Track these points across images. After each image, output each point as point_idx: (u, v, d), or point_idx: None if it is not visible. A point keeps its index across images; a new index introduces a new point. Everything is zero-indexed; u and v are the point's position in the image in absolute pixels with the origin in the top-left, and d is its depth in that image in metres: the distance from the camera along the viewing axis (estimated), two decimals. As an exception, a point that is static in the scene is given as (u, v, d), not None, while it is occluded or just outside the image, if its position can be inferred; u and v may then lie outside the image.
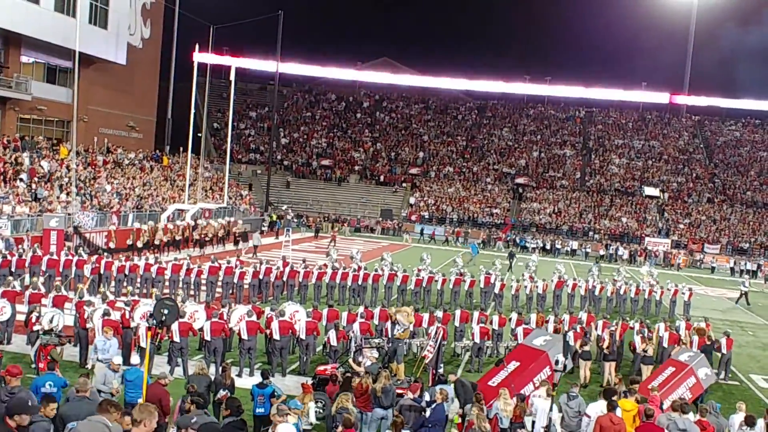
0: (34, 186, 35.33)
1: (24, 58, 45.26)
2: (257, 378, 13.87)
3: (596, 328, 20.13)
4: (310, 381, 14.57)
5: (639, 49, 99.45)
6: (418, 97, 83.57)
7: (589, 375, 17.89)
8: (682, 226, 61.96)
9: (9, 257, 23.97)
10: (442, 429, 11.93)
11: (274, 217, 54.04)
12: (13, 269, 23.37)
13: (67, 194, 35.44)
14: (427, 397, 12.73)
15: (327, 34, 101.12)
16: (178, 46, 61.55)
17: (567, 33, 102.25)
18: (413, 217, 62.39)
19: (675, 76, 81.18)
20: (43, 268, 23.92)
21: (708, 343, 19.45)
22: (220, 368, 13.13)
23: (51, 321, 15.43)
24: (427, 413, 12.00)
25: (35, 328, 15.67)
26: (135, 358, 13.03)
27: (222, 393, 11.92)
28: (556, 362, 12.86)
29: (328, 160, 71.08)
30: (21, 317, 17.32)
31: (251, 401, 12.44)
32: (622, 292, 29.84)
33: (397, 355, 16.57)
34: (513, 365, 14.59)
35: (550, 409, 12.48)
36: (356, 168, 70.41)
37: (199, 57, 44.51)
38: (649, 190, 67.32)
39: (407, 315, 17.61)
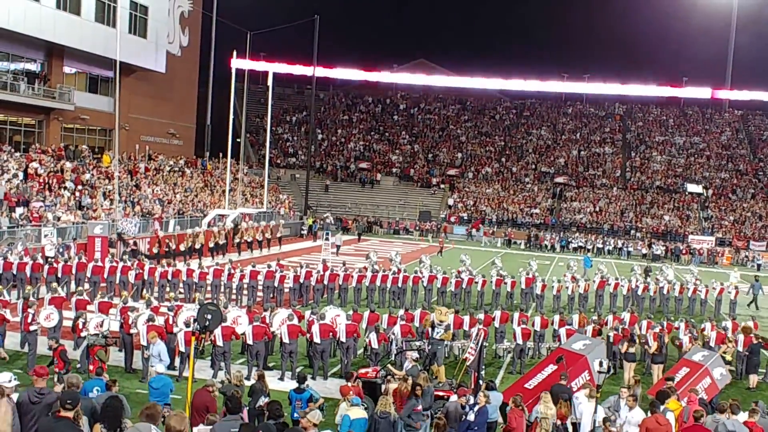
0: (78, 194, 36.01)
1: (66, 69, 46.18)
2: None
3: (640, 329, 19.84)
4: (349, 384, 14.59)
5: (679, 44, 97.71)
6: (454, 97, 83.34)
7: (633, 377, 17.61)
8: (726, 223, 60.78)
9: (55, 264, 24.48)
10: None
11: (311, 221, 54.32)
12: (59, 276, 23.89)
13: (111, 202, 36.04)
14: (471, 401, 12.66)
15: (362, 36, 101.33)
16: (216, 53, 62.23)
17: (605, 29, 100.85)
18: (452, 219, 62.19)
19: (717, 71, 79.64)
20: (89, 275, 24.37)
21: (755, 342, 19.05)
22: (256, 376, 13.15)
23: (101, 325, 15.75)
24: (471, 417, 11.93)
25: (82, 334, 15.96)
26: (160, 367, 13.12)
27: (264, 400, 12.00)
28: (600, 364, 12.69)
29: (365, 163, 71.21)
30: (68, 323, 17.67)
31: (288, 406, 12.47)
32: (665, 291, 29.37)
33: (437, 357, 16.51)
34: (550, 368, 14.44)
35: (595, 411, 12.32)
36: (394, 170, 70.42)
37: (236, 63, 44.83)
38: (692, 187, 66.12)
39: (440, 313, 17.51)
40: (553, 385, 13.50)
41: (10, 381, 8.85)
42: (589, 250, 54.47)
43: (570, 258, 41.71)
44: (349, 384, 13.22)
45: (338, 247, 42.62)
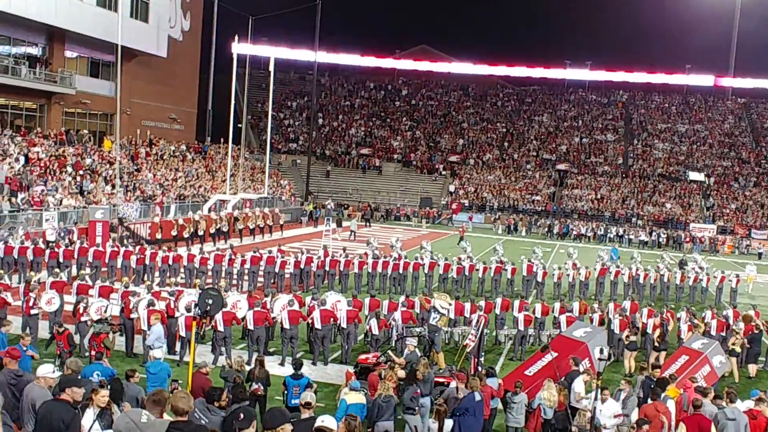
0: (79, 179, 35.98)
1: (68, 53, 46.06)
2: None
3: (641, 316, 19.83)
4: (352, 369, 14.63)
5: (682, 31, 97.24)
6: (456, 84, 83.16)
7: (633, 365, 17.63)
8: (728, 211, 60.70)
9: (56, 249, 24.49)
10: (473, 417, 11.78)
11: (311, 207, 54.40)
12: (60, 260, 23.90)
13: (112, 186, 36.03)
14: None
15: (365, 22, 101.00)
16: (218, 38, 62.00)
17: (608, 16, 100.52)
18: (453, 205, 62.12)
19: (720, 58, 79.42)
20: (90, 259, 24.39)
21: (756, 331, 19.04)
22: (256, 361, 13.17)
23: (105, 310, 15.79)
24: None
25: (83, 318, 15.99)
26: (158, 353, 13.15)
27: (255, 386, 12.00)
28: (601, 351, 12.69)
29: (367, 149, 71.11)
30: (69, 308, 17.70)
31: (284, 393, 12.51)
32: (666, 279, 29.34)
33: (435, 344, 16.53)
34: (550, 355, 14.44)
35: (595, 398, 12.33)
36: (395, 156, 70.33)
37: (238, 48, 44.84)
38: (694, 175, 65.97)
39: (444, 298, 17.51)
40: (569, 373, 13.52)
41: (53, 372, 8.89)
42: (589, 239, 54.58)
43: (570, 245, 41.68)
44: (349, 369, 13.26)
45: (353, 232, 43.42)
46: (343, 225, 46.35)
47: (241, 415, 7.32)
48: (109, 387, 9.06)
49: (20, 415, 8.77)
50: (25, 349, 11.91)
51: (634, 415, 12.05)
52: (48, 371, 8.86)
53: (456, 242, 42.79)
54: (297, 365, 12.67)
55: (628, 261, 33.90)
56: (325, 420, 7.75)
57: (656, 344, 18.22)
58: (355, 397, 11.12)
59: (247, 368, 13.28)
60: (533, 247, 34.23)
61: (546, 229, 56.45)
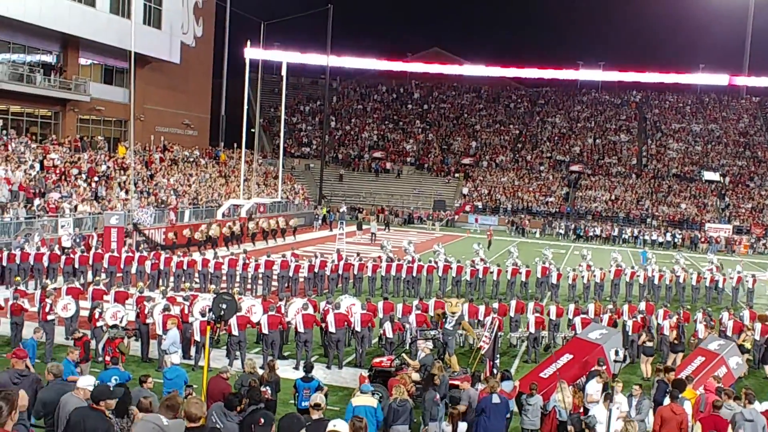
0: (94, 185, 36.19)
1: (82, 60, 46.34)
2: (314, 371, 13.97)
3: (657, 318, 19.70)
4: (366, 373, 14.62)
5: (696, 30, 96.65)
6: (469, 86, 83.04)
7: (650, 369, 17.51)
8: (743, 210, 60.25)
9: (72, 255, 24.66)
10: (487, 419, 11.71)
11: (325, 211, 54.47)
12: (76, 266, 24.06)
13: (126, 192, 36.21)
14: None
15: (377, 26, 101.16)
16: (230, 44, 62.37)
17: (620, 16, 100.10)
18: (467, 208, 62.03)
19: (734, 57, 78.80)
20: (105, 265, 24.53)
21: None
22: (266, 365, 13.20)
23: (122, 320, 15.88)
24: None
25: (98, 324, 16.08)
26: (175, 358, 13.17)
27: (263, 389, 12.03)
28: (616, 353, 12.63)
29: (380, 152, 71.13)
30: (84, 313, 17.81)
31: (295, 395, 12.52)
32: (681, 280, 29.15)
33: (448, 347, 16.50)
34: (566, 357, 14.37)
35: (611, 401, 12.25)
36: (408, 159, 70.31)
37: (250, 53, 44.91)
38: (709, 175, 65.58)
39: (451, 305, 17.47)
40: (591, 371, 13.46)
41: (93, 385, 8.95)
42: (605, 239, 54.39)
43: (584, 247, 41.49)
44: (363, 373, 13.21)
45: (373, 234, 44.23)
46: (363, 228, 46.86)
47: (262, 420, 7.34)
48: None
49: (54, 425, 8.79)
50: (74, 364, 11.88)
51: (649, 419, 11.98)
52: (88, 383, 8.88)
53: (486, 246, 41.37)
54: (308, 368, 12.68)
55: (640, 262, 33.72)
56: (337, 424, 7.75)
57: (673, 345, 18.11)
58: (363, 400, 11.01)
59: (260, 372, 13.31)
60: (542, 249, 34.11)
61: (562, 231, 56.23)
